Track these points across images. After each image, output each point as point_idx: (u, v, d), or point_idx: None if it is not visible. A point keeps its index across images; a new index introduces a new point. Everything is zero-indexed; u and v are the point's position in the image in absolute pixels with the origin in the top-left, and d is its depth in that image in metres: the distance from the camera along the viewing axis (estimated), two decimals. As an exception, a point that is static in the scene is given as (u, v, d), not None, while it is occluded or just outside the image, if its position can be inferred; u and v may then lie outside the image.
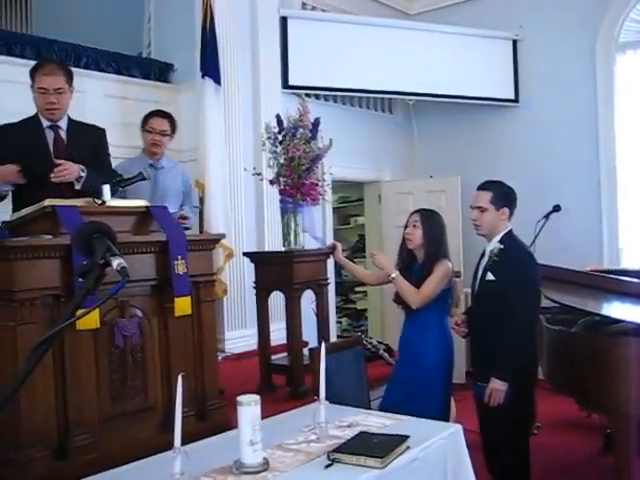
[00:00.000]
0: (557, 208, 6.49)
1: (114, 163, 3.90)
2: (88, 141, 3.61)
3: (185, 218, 4.20)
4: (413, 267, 3.83)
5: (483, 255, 3.65)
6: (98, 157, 3.63)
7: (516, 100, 7.38)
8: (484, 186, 3.60)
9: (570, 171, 6.91)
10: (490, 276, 3.52)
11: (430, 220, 3.81)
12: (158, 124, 4.29)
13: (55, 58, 5.44)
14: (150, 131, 4.28)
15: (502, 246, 3.49)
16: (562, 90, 7.02)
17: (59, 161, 3.27)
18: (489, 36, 7.31)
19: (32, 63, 5.07)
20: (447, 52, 7.15)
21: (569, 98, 6.99)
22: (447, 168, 7.43)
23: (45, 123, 3.47)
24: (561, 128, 7.02)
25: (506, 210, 3.54)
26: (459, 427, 2.64)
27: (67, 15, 7.59)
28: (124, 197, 4.00)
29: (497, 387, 3.36)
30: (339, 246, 4.24)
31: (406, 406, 3.25)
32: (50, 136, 3.47)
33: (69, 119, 3.56)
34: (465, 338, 3.88)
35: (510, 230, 3.57)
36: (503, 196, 3.56)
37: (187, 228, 4.21)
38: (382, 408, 3.57)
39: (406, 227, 3.85)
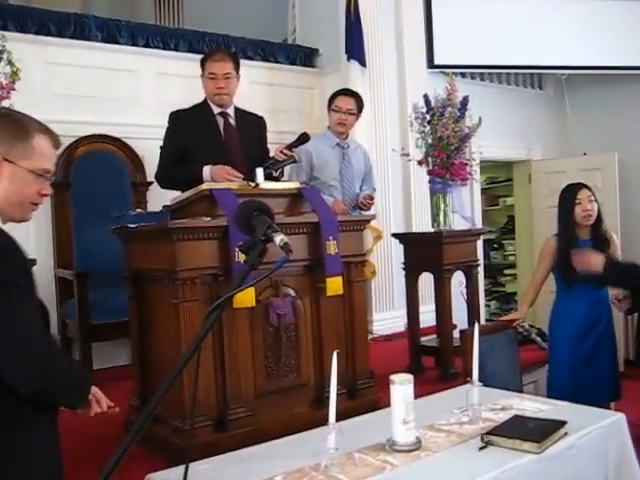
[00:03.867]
0: None
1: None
2: (254, 129, 3.72)
3: (372, 198, 4.24)
4: (579, 244, 3.67)
5: None
6: (261, 144, 3.74)
7: (682, 67, 6.86)
8: None
9: None
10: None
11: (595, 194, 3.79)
12: (344, 103, 4.31)
13: (206, 49, 5.68)
14: (337, 110, 4.30)
15: None
16: None
17: (232, 171, 3.32)
18: (650, -1, 6.83)
19: (187, 55, 5.39)
20: (600, 19, 6.75)
21: None
22: (602, 144, 7.05)
23: (215, 110, 3.60)
24: None
25: None
26: (622, 416, 2.50)
27: (215, 7, 7.89)
28: (313, 175, 4.20)
29: None
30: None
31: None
32: (220, 122, 3.60)
33: (235, 107, 3.68)
34: (628, 315, 3.67)
35: None
36: None
37: (369, 209, 4.25)
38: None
39: (573, 205, 3.70)
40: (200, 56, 5.37)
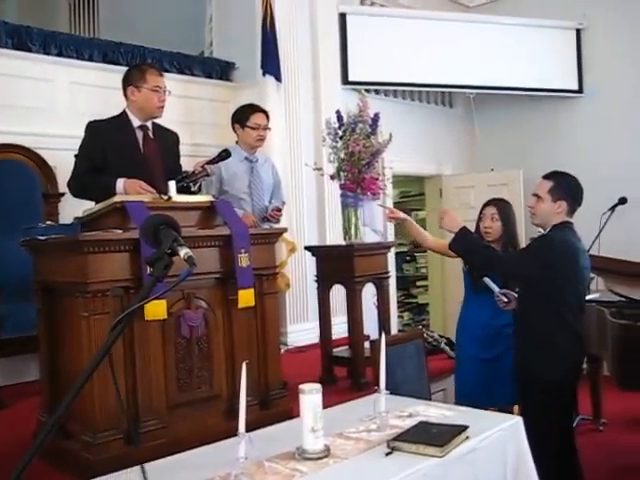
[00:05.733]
0: (623, 200, 6.34)
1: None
2: (170, 143, 3.74)
3: (280, 210, 4.31)
4: None
5: None
6: (176, 160, 3.75)
7: (580, 91, 7.25)
8: (547, 175, 3.48)
9: (636, 162, 6.76)
10: None
11: (507, 210, 3.88)
12: (261, 119, 4.39)
13: (121, 60, 5.65)
14: (255, 127, 4.35)
15: (543, 233, 3.44)
16: (628, 78, 6.88)
17: (145, 185, 3.31)
18: (551, 26, 7.22)
19: (101, 66, 5.34)
20: (508, 44, 7.09)
21: (635, 86, 6.84)
22: (509, 161, 7.36)
23: (135, 123, 3.57)
24: (627, 117, 6.87)
25: (563, 204, 3.37)
26: (519, 419, 2.63)
27: (131, 17, 7.81)
28: (223, 189, 4.22)
29: None
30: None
31: None
32: (140, 135, 3.58)
33: (152, 122, 3.66)
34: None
35: (564, 223, 3.39)
36: (563, 189, 3.39)
37: (278, 221, 4.31)
38: None
39: (479, 219, 3.89)
40: (115, 67, 5.41)
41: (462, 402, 3.42)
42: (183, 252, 1.60)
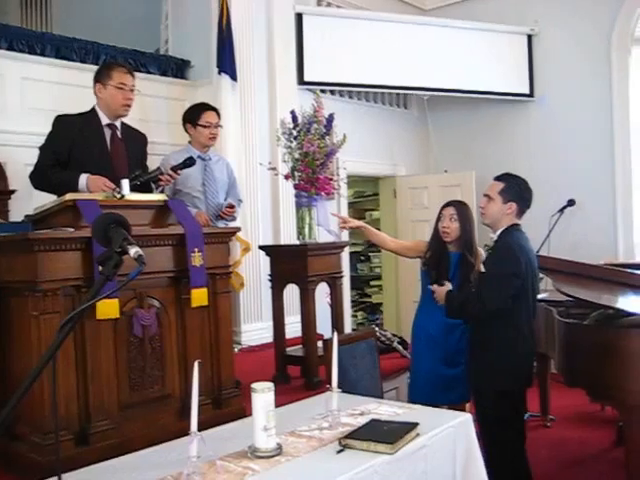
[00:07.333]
0: (571, 202, 6.51)
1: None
2: (138, 143, 3.73)
3: (232, 207, 4.30)
4: (449, 256, 3.89)
5: None
6: (142, 160, 3.75)
7: (531, 95, 7.40)
8: (499, 177, 3.56)
9: (585, 165, 6.92)
10: (482, 268, 3.57)
11: (465, 212, 3.91)
12: (213, 118, 4.38)
13: (75, 56, 5.56)
14: (207, 126, 4.34)
15: (495, 238, 3.51)
16: (577, 84, 7.03)
17: (108, 182, 3.28)
18: (504, 31, 7.34)
19: (54, 61, 5.25)
20: (462, 47, 7.19)
21: (584, 92, 7.00)
22: (462, 163, 7.47)
23: (104, 121, 3.56)
24: (576, 122, 7.03)
25: (513, 205, 3.45)
26: (469, 416, 2.68)
27: (86, 13, 7.71)
28: (176, 188, 4.18)
29: None
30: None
31: None
32: (108, 133, 3.56)
33: (121, 122, 3.65)
34: None
35: (513, 225, 3.48)
36: (513, 191, 3.48)
37: (233, 218, 4.30)
38: None
39: (438, 220, 3.93)
40: (69, 62, 5.33)
41: (417, 401, 3.46)
42: (133, 251, 1.61)
